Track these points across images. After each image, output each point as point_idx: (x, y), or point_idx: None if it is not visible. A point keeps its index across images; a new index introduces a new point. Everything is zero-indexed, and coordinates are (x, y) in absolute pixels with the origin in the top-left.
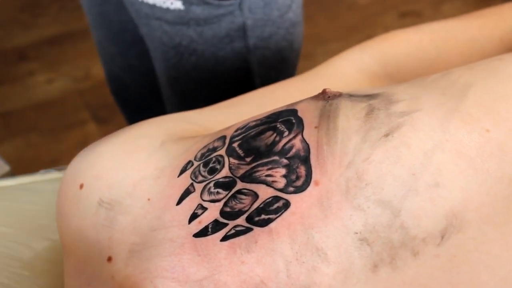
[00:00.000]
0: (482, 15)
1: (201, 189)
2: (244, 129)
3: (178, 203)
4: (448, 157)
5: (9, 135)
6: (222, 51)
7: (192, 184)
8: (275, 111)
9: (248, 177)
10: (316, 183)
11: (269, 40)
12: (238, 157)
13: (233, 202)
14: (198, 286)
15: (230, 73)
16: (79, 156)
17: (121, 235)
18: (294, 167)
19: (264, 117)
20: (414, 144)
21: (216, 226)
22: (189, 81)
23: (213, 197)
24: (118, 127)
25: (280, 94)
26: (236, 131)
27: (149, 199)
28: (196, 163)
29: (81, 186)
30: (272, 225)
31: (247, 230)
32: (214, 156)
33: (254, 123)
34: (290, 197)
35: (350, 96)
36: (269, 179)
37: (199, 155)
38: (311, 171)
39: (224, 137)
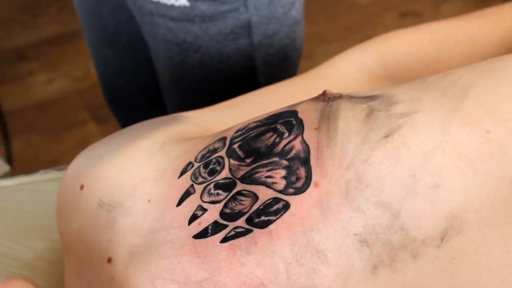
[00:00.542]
0: (482, 15)
1: (201, 190)
2: (244, 130)
3: (178, 204)
4: (448, 158)
5: (9, 135)
6: (227, 48)
7: (192, 186)
8: (275, 112)
9: (248, 179)
10: (316, 185)
11: (273, 38)
12: (238, 158)
13: (233, 204)
14: None
15: (234, 70)
16: (79, 157)
17: (121, 237)
18: (294, 168)
19: (264, 118)
20: (414, 145)
21: (216, 227)
22: (193, 79)
23: (213, 198)
24: (118, 127)
25: (281, 94)
26: (236, 132)
27: (149, 201)
28: (196, 165)
29: (82, 187)
30: (272, 226)
31: (247, 231)
32: (214, 158)
33: (254, 124)
34: (290, 199)
35: (350, 97)
36: (269, 180)
37: (199, 156)
38: (311, 172)
39: (224, 138)
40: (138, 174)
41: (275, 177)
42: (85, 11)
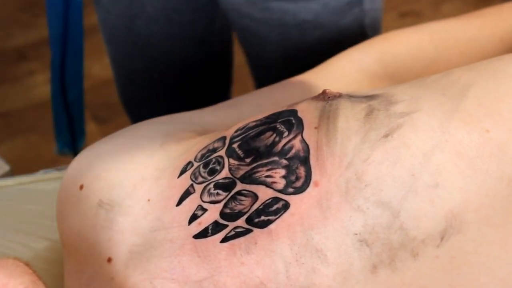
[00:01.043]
0: (482, 15)
1: (201, 190)
2: (244, 129)
3: (178, 204)
4: (447, 158)
5: (9, 135)
6: (343, 20)
7: (192, 185)
8: (275, 111)
9: (248, 178)
10: (316, 184)
11: (374, 2)
12: (238, 158)
13: (233, 204)
14: (197, 287)
15: (349, 41)
16: (79, 157)
17: (121, 236)
18: (294, 168)
19: (264, 118)
20: (414, 145)
21: (216, 227)
22: (310, 56)
23: (213, 198)
24: (118, 127)
25: (281, 94)
26: (236, 131)
27: (149, 200)
28: (196, 164)
29: (81, 187)
30: (271, 226)
31: (247, 231)
32: (214, 157)
33: (254, 123)
34: (290, 198)
35: (350, 97)
36: (269, 180)
37: (199, 156)
38: (311, 172)
39: (224, 138)
40: (138, 173)
41: (274, 177)
42: (114, 25)
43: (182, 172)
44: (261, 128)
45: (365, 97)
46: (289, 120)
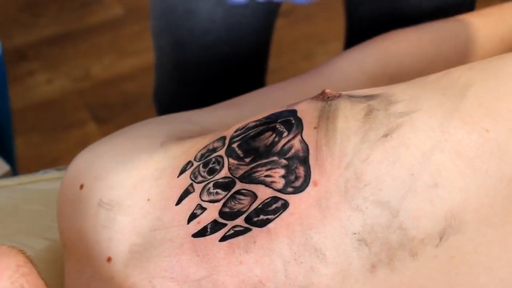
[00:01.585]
0: (482, 15)
1: (200, 189)
2: (243, 129)
3: (178, 203)
4: (447, 158)
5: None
6: None
7: (191, 185)
8: (274, 111)
9: (247, 178)
10: (315, 184)
11: None
12: (238, 158)
13: (232, 203)
14: (196, 286)
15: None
16: (79, 156)
17: (121, 236)
18: (293, 167)
19: (264, 118)
20: (413, 144)
21: (215, 226)
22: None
23: (212, 197)
24: (118, 127)
25: (280, 94)
26: (235, 131)
27: (149, 200)
28: (195, 164)
29: (81, 187)
30: (270, 225)
31: (246, 230)
32: (214, 157)
33: (253, 123)
34: (289, 198)
35: (350, 97)
36: (268, 179)
37: (199, 156)
38: (310, 171)
39: (223, 138)
40: (138, 173)
41: (274, 176)
42: (173, 8)
43: (182, 171)
44: (260, 128)
45: (365, 97)
46: (289, 120)
